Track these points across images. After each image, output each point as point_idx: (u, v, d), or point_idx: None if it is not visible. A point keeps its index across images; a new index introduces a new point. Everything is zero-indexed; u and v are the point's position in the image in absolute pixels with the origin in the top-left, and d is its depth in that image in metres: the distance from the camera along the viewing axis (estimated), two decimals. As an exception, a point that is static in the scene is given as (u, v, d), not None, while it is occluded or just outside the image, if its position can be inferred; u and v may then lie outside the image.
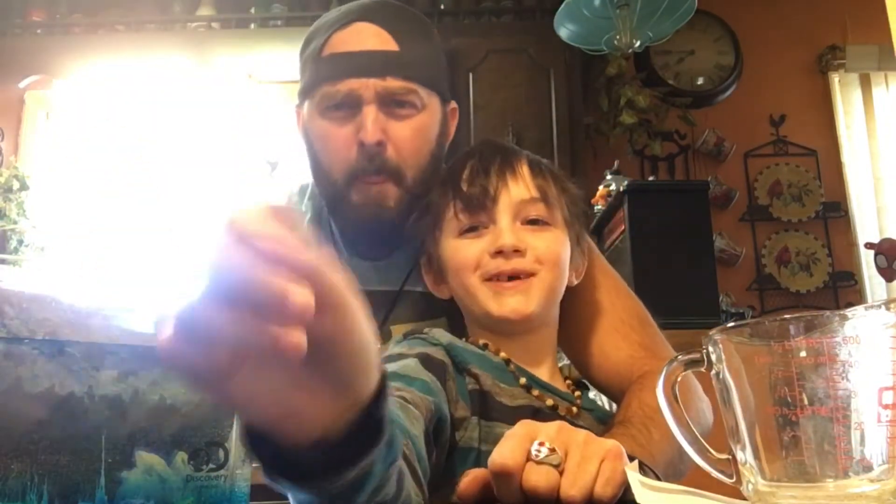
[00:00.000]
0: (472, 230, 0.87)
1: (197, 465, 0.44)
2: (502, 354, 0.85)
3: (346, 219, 0.99)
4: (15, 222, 2.97)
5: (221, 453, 0.45)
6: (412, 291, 1.02)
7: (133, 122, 3.17)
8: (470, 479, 0.59)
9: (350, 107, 0.94)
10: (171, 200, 3.10)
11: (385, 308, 1.02)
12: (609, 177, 2.75)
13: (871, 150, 3.28)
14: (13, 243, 2.98)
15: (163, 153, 3.15)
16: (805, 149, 3.32)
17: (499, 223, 0.85)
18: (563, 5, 2.47)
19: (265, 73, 3.15)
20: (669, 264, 2.17)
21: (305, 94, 0.99)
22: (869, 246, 3.05)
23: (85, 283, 0.47)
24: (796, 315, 0.46)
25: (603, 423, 0.85)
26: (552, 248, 0.86)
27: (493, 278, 0.84)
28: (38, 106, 3.23)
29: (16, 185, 3.01)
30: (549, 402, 0.82)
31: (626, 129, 3.06)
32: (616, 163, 2.87)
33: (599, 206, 2.65)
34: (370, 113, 0.92)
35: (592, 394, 0.96)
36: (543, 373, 0.87)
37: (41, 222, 3.04)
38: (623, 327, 0.96)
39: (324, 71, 0.95)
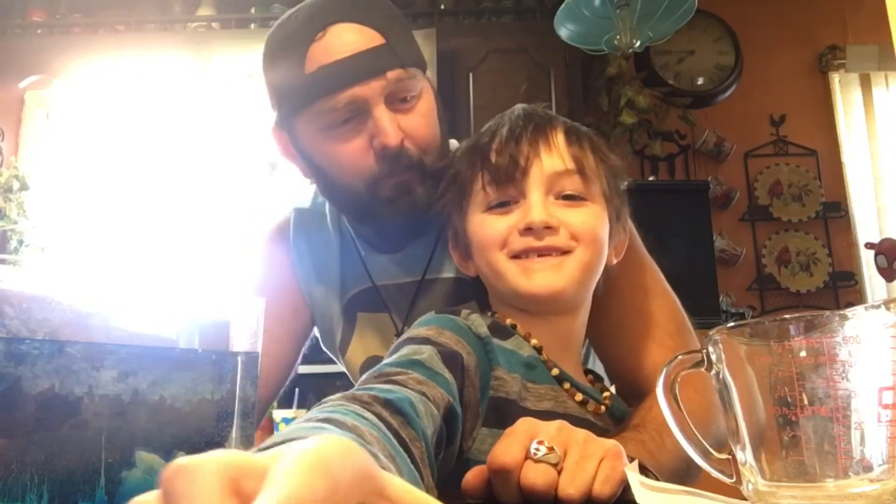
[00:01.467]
0: (501, 205, 0.80)
1: (197, 465, 0.44)
2: (533, 342, 0.79)
3: (378, 216, 0.94)
4: (15, 222, 2.97)
5: (221, 453, 0.45)
6: (435, 279, 0.99)
7: (133, 122, 3.17)
8: (474, 474, 0.59)
9: (356, 115, 0.89)
10: (170, 200, 3.10)
11: (409, 298, 0.99)
12: (609, 177, 2.75)
13: (871, 150, 3.28)
14: (13, 243, 2.98)
15: (163, 153, 3.15)
16: (805, 149, 3.32)
17: (529, 198, 0.78)
18: (563, 5, 2.47)
19: (265, 73, 3.15)
20: (669, 264, 2.17)
21: (293, 114, 0.93)
22: (869, 246, 3.05)
23: (85, 283, 0.47)
24: (796, 315, 0.46)
25: (621, 422, 0.82)
26: (588, 223, 0.79)
27: (521, 255, 0.78)
28: (38, 106, 3.23)
29: (16, 185, 3.01)
30: (579, 397, 0.78)
31: (626, 129, 3.06)
32: (616, 163, 2.86)
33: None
34: (383, 115, 0.87)
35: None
36: (568, 365, 0.82)
37: (41, 222, 3.04)
38: (659, 332, 0.92)
39: (316, 87, 0.88)
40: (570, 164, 0.80)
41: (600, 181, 0.82)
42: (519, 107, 0.88)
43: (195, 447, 0.45)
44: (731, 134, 3.29)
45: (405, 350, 0.69)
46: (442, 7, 3.15)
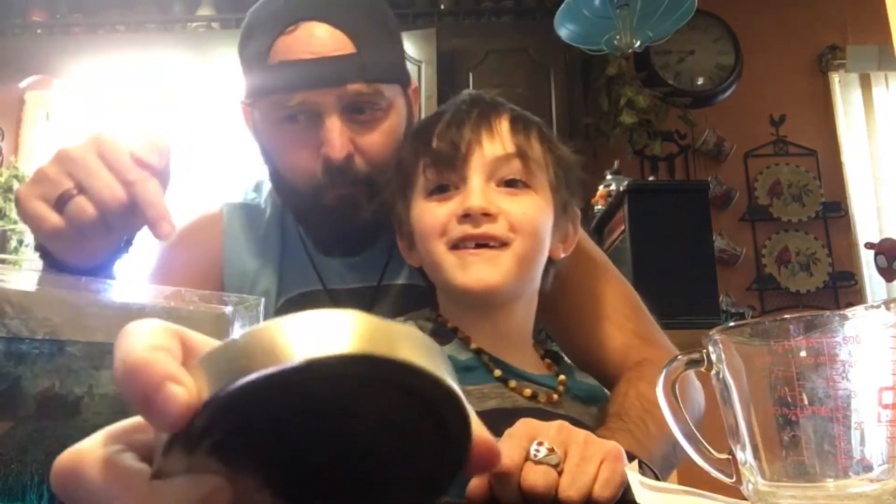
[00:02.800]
0: (440, 191, 0.77)
1: (197, 465, 0.44)
2: (473, 346, 0.78)
3: (316, 223, 0.93)
4: (15, 222, 2.97)
5: (221, 453, 0.45)
6: (392, 285, 0.96)
7: (132, 122, 3.17)
8: (479, 479, 0.58)
9: (308, 116, 0.86)
10: (170, 200, 3.09)
11: (365, 305, 0.95)
12: (609, 177, 2.75)
13: (871, 150, 3.28)
14: (13, 243, 2.98)
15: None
16: (805, 149, 3.32)
17: (469, 183, 0.75)
18: (563, 5, 2.47)
19: (265, 73, 3.15)
20: (669, 264, 2.17)
21: (253, 97, 0.92)
22: (869, 246, 3.05)
23: (85, 283, 0.47)
24: (796, 315, 0.46)
25: (588, 404, 0.81)
26: (529, 213, 0.76)
27: (459, 245, 0.75)
28: (38, 106, 3.23)
29: (16, 185, 3.01)
30: (528, 391, 0.76)
31: (626, 129, 3.06)
32: (616, 163, 2.87)
33: (599, 206, 2.65)
34: (334, 126, 0.85)
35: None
36: (518, 358, 0.80)
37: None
38: (616, 315, 0.91)
39: (273, 80, 0.86)
40: (512, 149, 0.77)
41: (546, 171, 0.79)
42: (466, 92, 0.85)
43: (195, 447, 0.44)
44: (731, 134, 3.29)
45: None
46: (442, 7, 3.15)
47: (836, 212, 3.24)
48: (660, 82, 3.25)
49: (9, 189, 3.00)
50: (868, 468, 0.43)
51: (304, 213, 0.94)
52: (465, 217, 0.74)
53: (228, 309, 0.50)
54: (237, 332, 0.50)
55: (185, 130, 3.14)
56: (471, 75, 2.95)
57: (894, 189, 3.24)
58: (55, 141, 3.20)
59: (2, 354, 0.40)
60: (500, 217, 0.75)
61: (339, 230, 0.91)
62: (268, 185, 1.02)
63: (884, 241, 3.02)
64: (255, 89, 0.90)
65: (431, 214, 0.77)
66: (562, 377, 0.81)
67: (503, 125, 0.79)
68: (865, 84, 3.35)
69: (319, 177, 0.87)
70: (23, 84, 3.17)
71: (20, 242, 2.99)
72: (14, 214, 2.97)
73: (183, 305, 0.49)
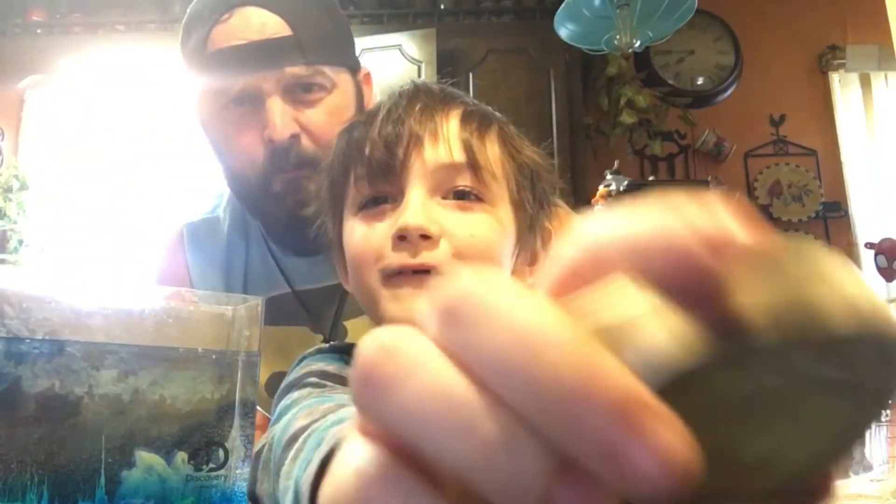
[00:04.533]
0: (374, 203, 0.63)
1: (197, 465, 0.44)
2: None
3: (269, 215, 0.90)
4: (15, 222, 2.97)
5: (221, 453, 0.46)
6: None
7: (133, 121, 3.17)
8: None
9: (251, 101, 0.85)
10: (171, 200, 3.10)
11: (334, 304, 0.92)
12: (609, 177, 2.75)
13: (871, 149, 3.28)
14: (13, 243, 2.98)
15: (163, 153, 3.15)
16: (805, 149, 3.32)
17: (407, 197, 0.61)
18: (563, 5, 2.47)
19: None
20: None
21: (196, 90, 0.90)
22: (869, 246, 3.05)
23: (85, 283, 0.47)
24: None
25: None
26: (478, 235, 0.61)
27: (394, 275, 0.60)
28: (38, 106, 3.23)
29: (16, 185, 3.01)
30: None
31: (626, 129, 3.06)
32: (616, 163, 2.87)
33: (599, 207, 2.66)
34: (275, 106, 0.83)
35: None
36: None
37: (41, 222, 3.04)
38: None
39: (212, 69, 0.85)
40: (461, 156, 0.62)
41: (506, 182, 0.64)
42: (410, 82, 0.70)
43: (195, 447, 0.45)
44: (730, 134, 3.30)
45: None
46: (442, 7, 3.15)
47: (836, 212, 3.24)
48: (660, 82, 3.25)
49: (8, 189, 3.00)
50: (868, 468, 0.43)
51: (256, 205, 0.92)
52: (401, 239, 0.60)
53: (228, 309, 0.50)
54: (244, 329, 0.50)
55: (184, 130, 3.14)
56: (471, 75, 2.95)
57: (894, 189, 3.24)
58: (55, 141, 3.20)
59: (2, 354, 0.40)
60: (442, 240, 0.60)
61: (292, 220, 0.85)
62: (226, 198, 1.01)
63: (884, 241, 3.02)
64: (196, 81, 0.89)
65: (362, 235, 0.63)
66: None
67: (451, 124, 0.64)
68: (865, 84, 3.35)
69: (263, 161, 0.85)
70: (23, 84, 3.17)
71: (20, 242, 2.99)
72: (14, 214, 2.98)
73: (183, 305, 0.49)
